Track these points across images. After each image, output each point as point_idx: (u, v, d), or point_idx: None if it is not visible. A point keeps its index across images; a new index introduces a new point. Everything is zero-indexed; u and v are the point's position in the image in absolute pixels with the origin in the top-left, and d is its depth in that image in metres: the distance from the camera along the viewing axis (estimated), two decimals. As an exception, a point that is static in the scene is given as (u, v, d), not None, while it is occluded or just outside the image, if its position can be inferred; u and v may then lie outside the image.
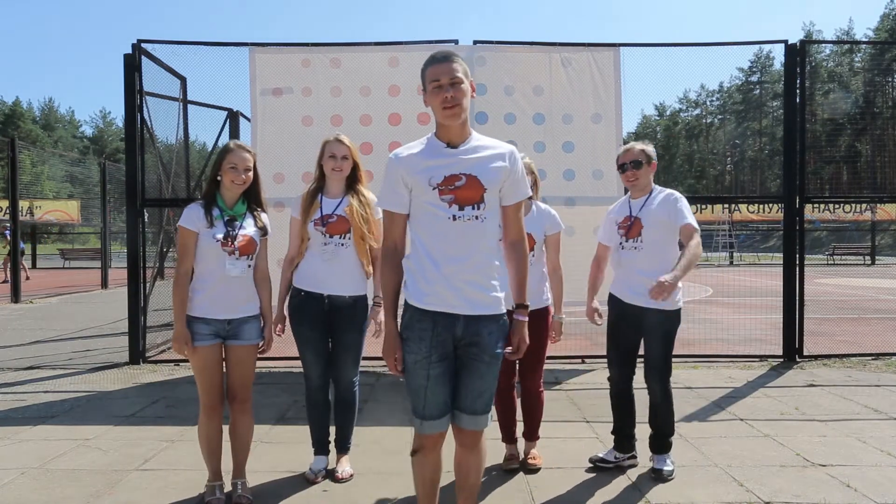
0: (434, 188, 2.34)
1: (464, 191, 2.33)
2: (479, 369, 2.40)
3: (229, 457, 3.26)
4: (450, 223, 2.33)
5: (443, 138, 2.41)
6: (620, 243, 3.56)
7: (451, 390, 2.42)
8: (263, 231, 3.22)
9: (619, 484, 3.45)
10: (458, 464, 2.54)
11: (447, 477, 2.66)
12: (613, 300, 3.66)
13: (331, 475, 3.51)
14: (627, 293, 3.54)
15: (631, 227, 3.52)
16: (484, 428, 2.47)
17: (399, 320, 2.46)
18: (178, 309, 3.04)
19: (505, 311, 2.44)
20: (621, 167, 3.57)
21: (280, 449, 4.00)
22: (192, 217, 3.07)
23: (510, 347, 2.47)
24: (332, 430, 3.61)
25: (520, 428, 3.77)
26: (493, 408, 3.63)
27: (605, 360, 3.77)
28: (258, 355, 3.24)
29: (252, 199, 3.22)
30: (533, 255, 3.51)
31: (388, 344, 2.44)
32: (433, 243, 2.35)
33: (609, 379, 3.72)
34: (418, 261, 2.38)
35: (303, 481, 3.48)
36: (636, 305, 3.50)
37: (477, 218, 2.35)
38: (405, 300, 2.44)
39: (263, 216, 3.26)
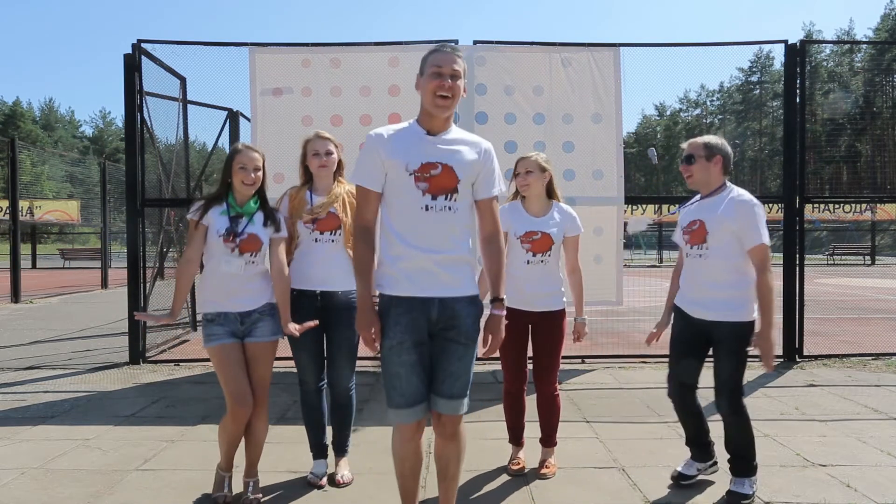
0: (410, 174, 2.36)
1: (439, 179, 2.37)
2: (455, 352, 2.42)
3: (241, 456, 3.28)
4: (422, 213, 2.36)
5: (424, 125, 2.43)
6: (686, 252, 3.29)
7: (427, 379, 2.43)
8: (276, 228, 3.23)
9: (619, 483, 3.45)
10: (438, 454, 2.55)
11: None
12: (678, 312, 3.36)
13: (330, 479, 3.50)
14: (693, 307, 3.25)
15: (695, 232, 3.20)
16: (461, 413, 2.48)
17: (375, 299, 2.45)
18: (178, 291, 3.14)
19: (478, 292, 2.49)
20: (682, 160, 3.31)
21: (280, 449, 4.00)
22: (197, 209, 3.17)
23: (483, 350, 2.47)
24: (329, 431, 3.60)
25: (531, 431, 3.76)
26: (503, 408, 3.69)
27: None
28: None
29: (264, 198, 3.26)
30: (549, 255, 3.49)
31: (362, 318, 2.38)
32: (406, 230, 2.38)
33: (669, 394, 3.45)
34: (390, 247, 2.41)
35: (302, 481, 3.48)
36: (703, 320, 3.20)
37: (449, 209, 2.39)
38: (378, 292, 2.45)
39: (278, 214, 3.29)
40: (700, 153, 3.21)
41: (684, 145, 3.33)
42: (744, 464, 3.21)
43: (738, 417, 3.17)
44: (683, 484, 3.39)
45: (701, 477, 3.47)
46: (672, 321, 3.42)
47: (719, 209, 3.15)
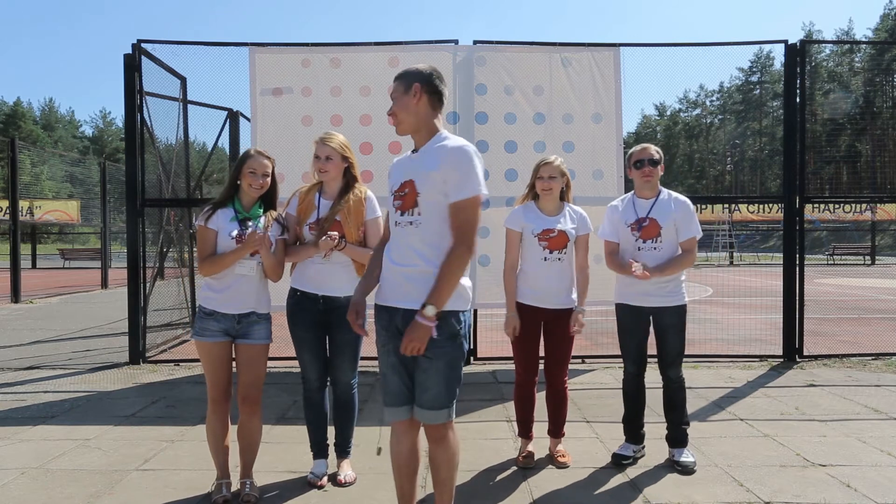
0: (391, 194, 2.53)
1: (406, 196, 2.47)
2: (420, 363, 2.47)
3: (237, 456, 3.30)
4: (395, 228, 2.52)
5: (415, 143, 2.57)
6: (638, 247, 3.61)
7: (410, 382, 2.53)
8: (281, 231, 3.30)
9: (618, 483, 3.45)
10: (430, 458, 2.64)
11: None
12: (625, 308, 3.70)
13: (332, 479, 3.50)
14: (643, 297, 3.61)
15: (646, 228, 3.59)
16: (441, 422, 2.49)
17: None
18: (223, 263, 3.14)
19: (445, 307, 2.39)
20: (638, 163, 3.61)
21: (280, 449, 4.00)
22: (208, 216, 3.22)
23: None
24: (331, 432, 3.59)
25: (539, 424, 3.84)
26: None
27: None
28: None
29: (269, 204, 3.32)
30: (564, 253, 3.62)
31: (350, 305, 2.62)
32: (390, 244, 2.56)
33: (627, 374, 3.78)
34: (384, 260, 2.58)
35: (302, 481, 3.48)
36: (652, 307, 3.62)
37: (411, 223, 2.46)
38: None
39: (281, 218, 3.35)
40: (658, 157, 3.64)
41: (637, 149, 3.69)
42: (683, 430, 3.69)
43: (682, 384, 3.70)
44: (624, 463, 3.67)
45: (698, 475, 3.50)
46: (619, 318, 3.75)
47: (671, 208, 3.61)
